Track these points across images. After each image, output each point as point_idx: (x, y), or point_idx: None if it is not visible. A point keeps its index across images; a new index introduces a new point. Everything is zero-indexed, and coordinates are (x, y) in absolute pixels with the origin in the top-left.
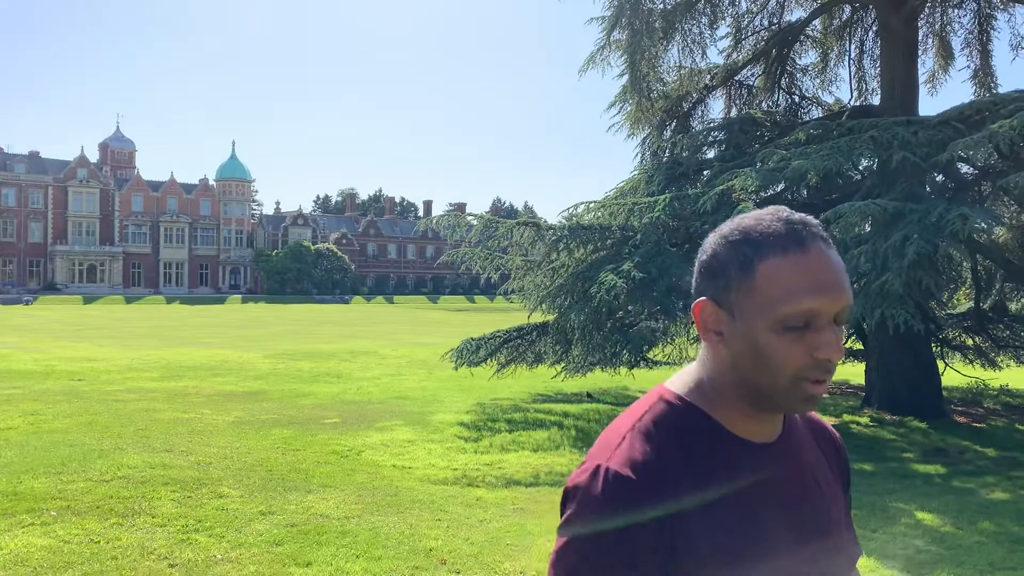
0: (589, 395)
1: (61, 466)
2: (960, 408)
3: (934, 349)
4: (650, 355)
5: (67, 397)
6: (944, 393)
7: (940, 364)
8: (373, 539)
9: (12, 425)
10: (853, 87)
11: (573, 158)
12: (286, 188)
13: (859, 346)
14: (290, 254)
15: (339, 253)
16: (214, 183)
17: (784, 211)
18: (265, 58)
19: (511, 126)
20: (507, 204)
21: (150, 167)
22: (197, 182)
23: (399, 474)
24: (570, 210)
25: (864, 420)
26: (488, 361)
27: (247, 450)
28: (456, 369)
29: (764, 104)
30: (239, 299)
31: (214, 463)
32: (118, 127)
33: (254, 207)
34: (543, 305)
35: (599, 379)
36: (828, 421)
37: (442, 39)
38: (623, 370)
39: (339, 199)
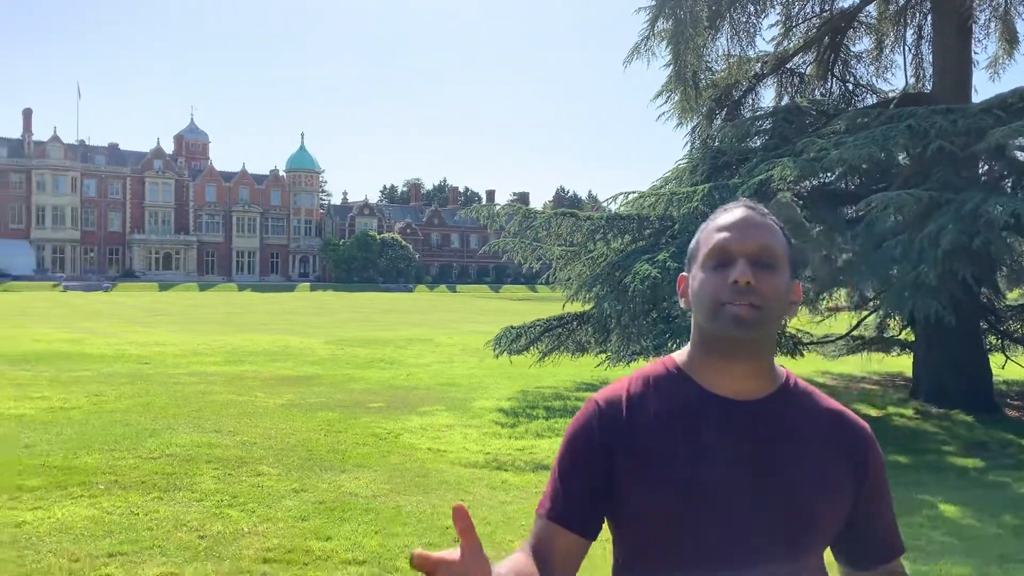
0: None
1: (115, 443)
2: (1017, 402)
3: (993, 341)
4: None
5: (131, 380)
6: (1003, 387)
7: (1000, 357)
8: (394, 517)
9: (77, 405)
10: (909, 74)
11: (637, 146)
12: (353, 179)
13: (912, 337)
14: (356, 243)
15: (403, 242)
16: (284, 174)
17: (741, 201)
18: (333, 52)
19: (574, 114)
20: (571, 193)
21: (223, 159)
22: (268, 173)
23: (432, 457)
24: (610, 200)
25: (908, 412)
26: (530, 350)
27: (291, 431)
28: (497, 357)
29: (817, 92)
30: (307, 287)
31: (258, 443)
32: (192, 120)
33: (322, 197)
34: (580, 294)
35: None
36: (873, 412)
37: (505, 28)
38: None
39: (404, 189)
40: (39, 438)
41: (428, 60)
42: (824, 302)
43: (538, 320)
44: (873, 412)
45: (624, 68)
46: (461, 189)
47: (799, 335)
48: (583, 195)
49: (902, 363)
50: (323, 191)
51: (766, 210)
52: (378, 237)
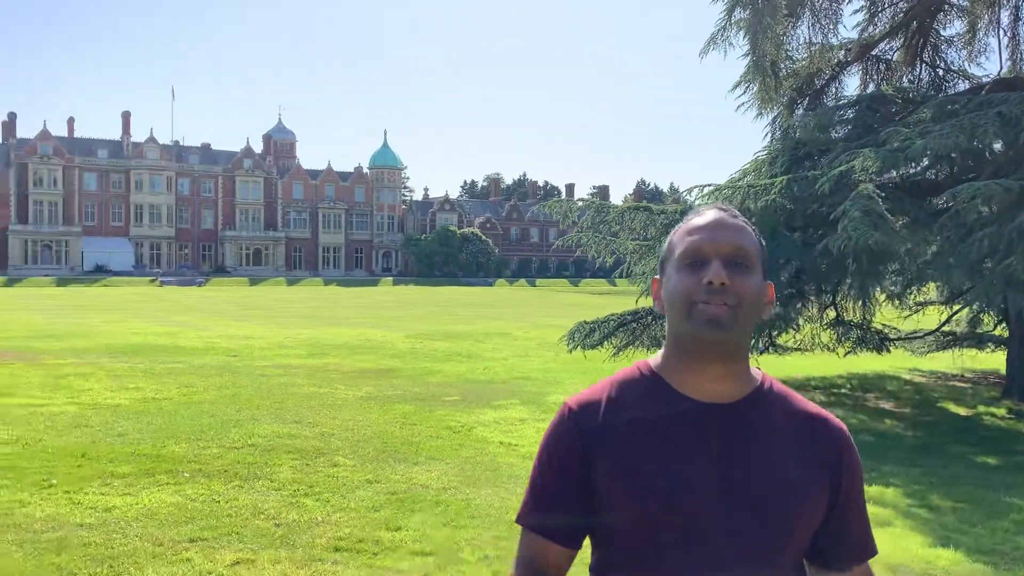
0: None
1: (200, 433)
2: None
3: None
4: (780, 341)
5: (220, 372)
6: None
7: None
8: (463, 509)
9: (168, 396)
10: (1004, 58)
11: (719, 138)
12: (434, 174)
13: (1007, 333)
14: (437, 238)
15: (483, 237)
16: (368, 171)
17: (713, 203)
18: (415, 50)
19: (655, 106)
20: (651, 186)
21: (309, 157)
22: (352, 170)
23: (504, 450)
24: (685, 193)
25: (1000, 412)
26: (604, 345)
27: (368, 423)
28: (570, 352)
29: (905, 79)
30: (390, 281)
31: (336, 434)
32: (280, 119)
33: (405, 193)
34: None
35: None
36: (963, 411)
37: (585, 20)
38: (752, 356)
39: (484, 184)
40: (131, 427)
41: (509, 55)
42: (912, 296)
43: (612, 315)
44: (962, 411)
45: (701, 59)
46: (540, 183)
47: (885, 330)
48: (664, 188)
49: (997, 360)
50: (405, 187)
51: (737, 212)
52: (458, 232)
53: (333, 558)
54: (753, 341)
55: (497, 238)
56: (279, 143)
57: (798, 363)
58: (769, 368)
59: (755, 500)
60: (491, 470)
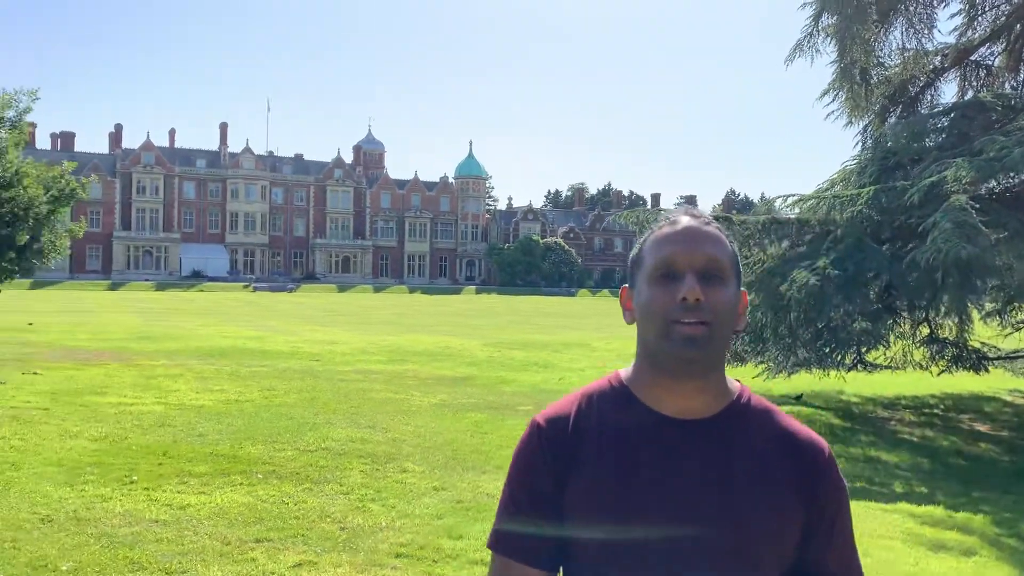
0: (798, 397)
1: (277, 436)
2: None
3: None
4: (870, 358)
5: (302, 376)
6: None
7: None
8: None
9: (250, 398)
10: None
11: (809, 147)
12: (519, 184)
13: None
14: (520, 248)
15: (566, 247)
16: (453, 181)
17: (682, 207)
18: (501, 61)
19: (743, 115)
20: (741, 196)
21: (397, 167)
22: (438, 180)
23: None
24: (766, 204)
25: None
26: None
27: (440, 431)
28: None
29: (1007, 85)
30: (473, 290)
31: (407, 440)
32: (370, 130)
33: (489, 203)
34: None
35: (812, 382)
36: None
37: (669, 29)
38: (837, 372)
39: (568, 194)
40: (212, 428)
41: (593, 65)
42: (1012, 313)
43: None
44: None
45: (786, 67)
46: (626, 193)
47: (984, 349)
48: (755, 198)
49: None
50: (489, 196)
51: (709, 217)
52: (541, 241)
53: (393, 564)
54: (840, 356)
55: (580, 248)
56: (368, 153)
57: (888, 381)
58: (857, 385)
59: (720, 521)
60: None
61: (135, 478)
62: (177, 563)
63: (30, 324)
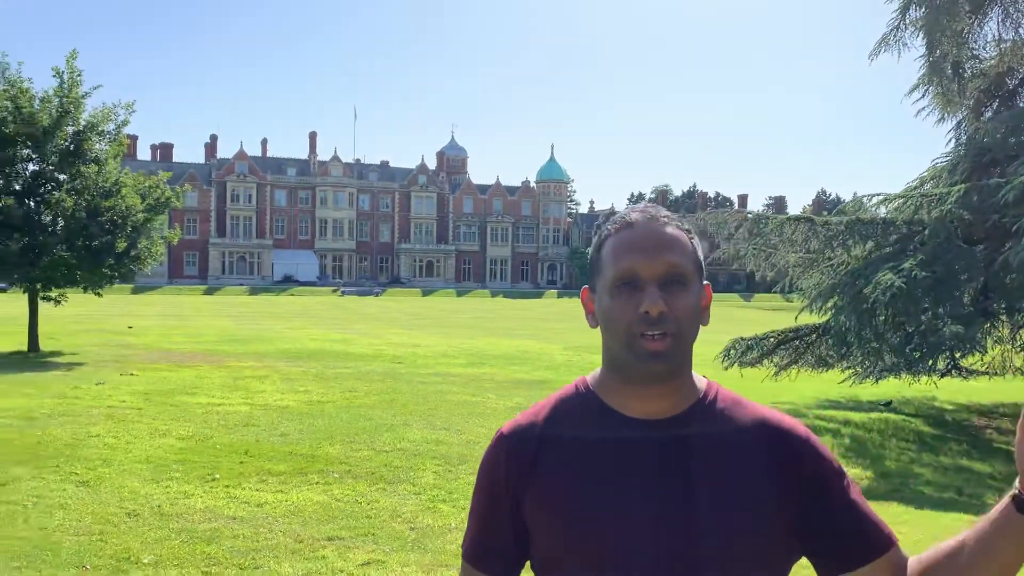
0: (887, 404)
1: (355, 436)
2: None
3: None
4: (965, 363)
5: (383, 377)
6: None
7: None
8: None
9: (331, 399)
10: None
11: (903, 145)
12: (601, 187)
13: None
14: None
15: None
16: (534, 185)
17: (640, 206)
18: (583, 62)
19: (833, 113)
20: (832, 196)
21: (479, 172)
22: (519, 184)
23: None
24: (854, 204)
25: None
26: (763, 363)
27: None
28: (726, 369)
29: None
30: (555, 294)
31: (481, 443)
32: (453, 137)
33: (570, 206)
34: (815, 305)
35: (901, 388)
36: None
37: (752, 26)
38: (929, 378)
39: (652, 196)
40: (293, 428)
41: (678, 64)
42: None
43: (772, 331)
44: None
45: (870, 62)
46: (711, 194)
47: None
48: (847, 197)
49: None
50: (571, 200)
51: (668, 216)
52: None
53: (459, 564)
54: (930, 361)
55: None
56: (451, 159)
57: (986, 388)
58: (951, 392)
59: (693, 522)
60: None
61: (217, 476)
62: (251, 559)
63: (130, 327)
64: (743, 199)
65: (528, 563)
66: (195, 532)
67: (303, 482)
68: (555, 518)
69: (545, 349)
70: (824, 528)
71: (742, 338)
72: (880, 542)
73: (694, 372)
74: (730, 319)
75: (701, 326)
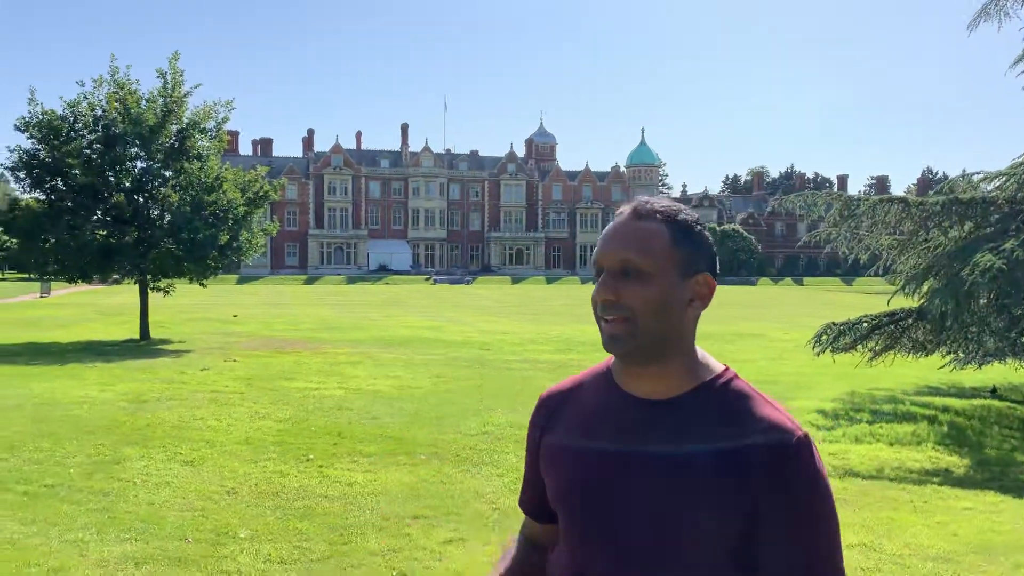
0: (992, 391)
1: (441, 420)
2: None
3: None
4: None
5: (470, 364)
6: None
7: None
8: None
9: (420, 384)
10: None
11: (1017, 120)
12: (694, 170)
13: None
14: None
15: (744, 234)
16: (624, 170)
17: (637, 199)
18: (671, 45)
19: (938, 89)
20: (939, 174)
21: (568, 158)
22: (608, 170)
23: None
24: (951, 183)
25: None
26: (857, 348)
27: None
28: (817, 356)
29: None
30: None
31: None
32: (541, 124)
33: (662, 190)
34: (908, 288)
35: (1007, 373)
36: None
37: (850, 2)
38: None
39: (747, 178)
40: (384, 411)
41: (770, 40)
42: None
43: (865, 316)
44: None
45: (968, 32)
46: (810, 176)
47: None
48: (954, 175)
49: None
50: (664, 184)
51: (660, 208)
52: (718, 229)
53: None
54: None
55: (760, 235)
56: (540, 146)
57: None
58: None
59: (652, 499)
60: None
61: (311, 456)
62: (340, 535)
63: (235, 316)
64: (843, 180)
65: None
66: (289, 509)
67: (391, 463)
68: (550, 470)
69: None
70: (765, 551)
71: (834, 323)
72: (822, 572)
73: (712, 359)
74: (828, 303)
75: (694, 315)
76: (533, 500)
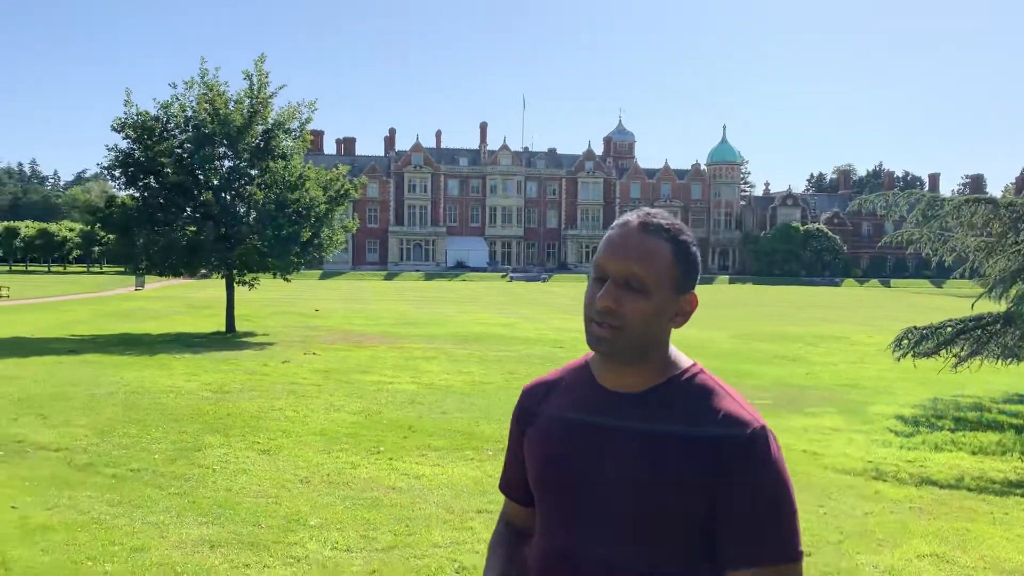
0: None
1: (508, 415)
2: None
3: None
4: None
5: (542, 361)
6: None
7: None
8: None
9: (491, 380)
10: None
11: None
12: (777, 168)
13: None
14: (778, 235)
15: (830, 234)
16: (704, 167)
17: (641, 210)
18: (756, 41)
19: None
20: None
21: (646, 156)
22: (688, 167)
23: (804, 459)
24: None
25: None
26: (941, 353)
27: None
28: (898, 360)
29: None
30: (726, 280)
31: None
32: (620, 122)
33: (743, 189)
34: (994, 292)
35: None
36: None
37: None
38: None
39: (833, 176)
40: (454, 406)
41: (859, 34)
42: None
43: (949, 320)
44: None
45: None
46: (899, 174)
47: None
48: None
49: None
50: (745, 182)
51: (665, 222)
52: (801, 228)
53: None
54: None
55: (846, 235)
56: (618, 144)
57: None
58: None
59: (618, 485)
60: None
61: (382, 449)
62: (405, 526)
63: (316, 311)
64: (934, 179)
65: None
66: (358, 499)
67: (459, 457)
68: (528, 449)
69: (712, 337)
70: (724, 529)
71: (915, 327)
72: (772, 553)
73: (683, 356)
74: (914, 306)
75: (672, 328)
76: (514, 482)
